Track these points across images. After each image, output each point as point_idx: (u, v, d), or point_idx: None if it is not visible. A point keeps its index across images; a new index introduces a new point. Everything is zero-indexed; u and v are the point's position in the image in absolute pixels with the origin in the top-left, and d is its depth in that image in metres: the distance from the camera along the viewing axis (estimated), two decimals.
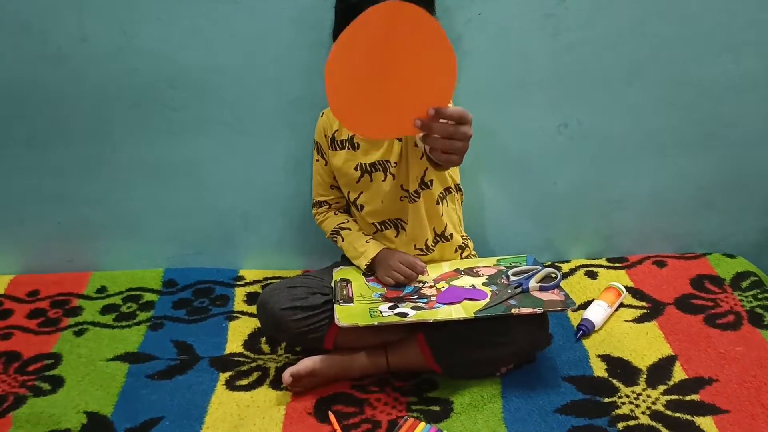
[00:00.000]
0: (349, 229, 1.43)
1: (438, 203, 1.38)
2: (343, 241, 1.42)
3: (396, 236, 1.40)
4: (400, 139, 1.33)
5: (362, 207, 1.40)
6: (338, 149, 1.38)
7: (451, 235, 1.42)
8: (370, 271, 1.38)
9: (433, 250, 1.41)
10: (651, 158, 1.57)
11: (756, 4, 1.43)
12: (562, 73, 1.49)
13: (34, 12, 1.43)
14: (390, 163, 1.34)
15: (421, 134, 0.99)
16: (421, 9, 0.94)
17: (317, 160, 1.44)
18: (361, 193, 1.39)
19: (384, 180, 1.36)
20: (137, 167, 1.57)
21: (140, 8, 1.42)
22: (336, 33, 1.31)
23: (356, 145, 1.36)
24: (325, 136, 1.40)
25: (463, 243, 1.46)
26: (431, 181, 1.35)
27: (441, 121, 0.97)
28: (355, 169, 1.37)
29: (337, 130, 1.38)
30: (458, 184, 1.43)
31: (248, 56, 1.47)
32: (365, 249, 1.38)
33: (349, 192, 1.40)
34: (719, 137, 1.55)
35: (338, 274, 1.37)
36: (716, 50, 1.47)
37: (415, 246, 1.40)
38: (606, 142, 1.55)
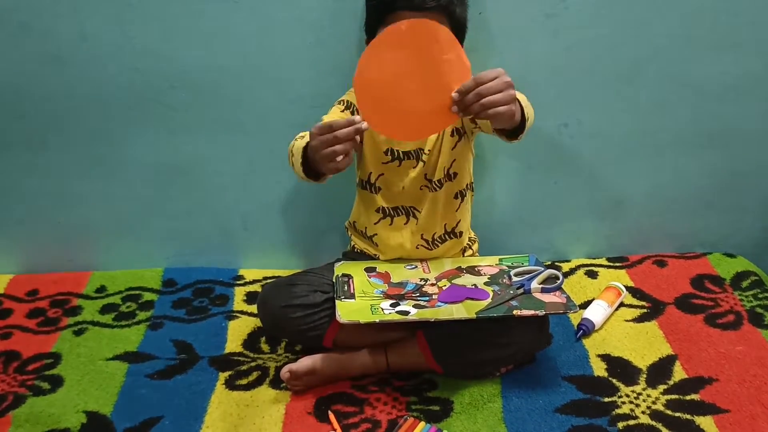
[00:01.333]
0: (303, 137, 1.22)
1: (456, 198, 1.38)
2: (293, 148, 1.22)
3: (405, 224, 1.39)
4: None
5: (379, 189, 1.38)
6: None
7: (461, 233, 1.42)
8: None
9: (439, 246, 1.41)
10: (651, 158, 1.57)
11: (756, 4, 1.43)
12: (562, 73, 1.49)
13: (34, 12, 1.43)
14: (423, 150, 1.34)
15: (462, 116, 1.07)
16: (437, 24, 1.07)
17: (342, 111, 1.34)
18: (382, 174, 1.37)
19: (415, 167, 1.35)
20: (137, 167, 1.57)
21: (140, 8, 1.42)
22: (367, 26, 1.31)
23: None
24: None
25: (469, 243, 1.46)
26: (455, 173, 1.35)
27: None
28: (386, 153, 1.36)
29: None
30: (472, 183, 1.43)
31: (248, 56, 1.47)
32: (303, 141, 1.19)
33: (370, 173, 1.38)
34: (719, 137, 1.55)
35: (339, 269, 1.37)
36: (716, 50, 1.47)
37: (422, 236, 1.39)
38: (606, 142, 1.55)
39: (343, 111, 1.36)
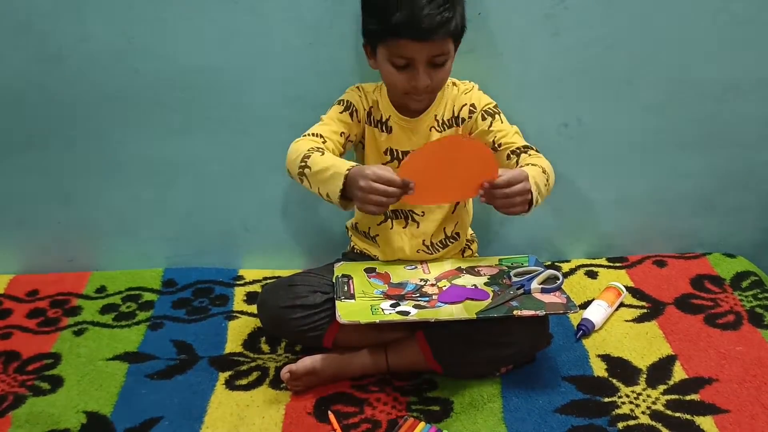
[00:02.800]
0: (322, 152, 1.25)
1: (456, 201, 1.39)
2: (310, 160, 1.23)
3: (405, 227, 1.39)
4: (437, 129, 1.35)
5: None
6: (371, 126, 1.37)
7: (458, 234, 1.42)
8: (345, 197, 1.21)
9: (439, 251, 1.41)
10: (651, 158, 1.57)
11: (756, 4, 1.43)
12: (562, 73, 1.49)
13: (34, 12, 1.43)
14: None
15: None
16: (474, 140, 1.29)
17: (341, 112, 1.35)
18: None
19: None
20: (137, 167, 1.57)
21: (140, 8, 1.42)
22: (366, 37, 1.28)
23: (389, 128, 1.35)
24: (365, 108, 1.36)
25: (468, 243, 1.46)
26: None
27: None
28: (385, 153, 1.36)
29: (372, 107, 1.36)
30: None
31: (248, 56, 1.47)
32: (335, 163, 1.22)
33: None
34: (719, 137, 1.55)
35: (339, 269, 1.37)
36: (716, 50, 1.47)
37: (423, 242, 1.40)
38: (606, 142, 1.55)
39: (342, 113, 1.36)
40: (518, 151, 1.32)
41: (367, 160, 1.39)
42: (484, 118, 1.34)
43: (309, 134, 1.32)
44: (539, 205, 1.24)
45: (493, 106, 1.36)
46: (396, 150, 1.36)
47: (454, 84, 1.37)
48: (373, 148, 1.37)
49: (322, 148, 1.27)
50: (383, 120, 1.36)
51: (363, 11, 1.27)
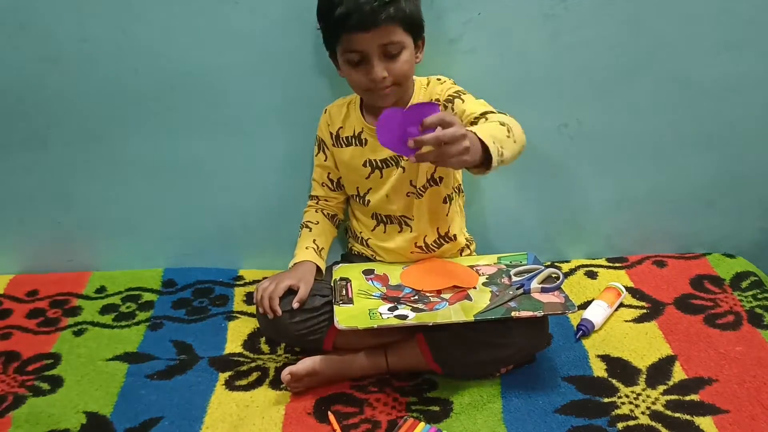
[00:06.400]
0: (309, 228, 1.43)
1: (445, 202, 1.38)
2: (299, 237, 1.44)
3: (399, 232, 1.40)
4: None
5: (368, 202, 1.39)
6: (344, 146, 1.38)
7: (455, 236, 1.42)
8: None
9: (435, 251, 1.41)
10: (651, 158, 1.57)
11: (756, 4, 1.43)
12: (562, 73, 1.48)
13: (34, 12, 1.43)
14: (402, 156, 1.35)
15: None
16: (454, 263, 1.40)
17: (317, 155, 1.45)
18: (370, 189, 1.39)
19: (395, 174, 1.36)
20: (137, 167, 1.57)
21: (140, 8, 1.42)
22: (326, 43, 1.30)
23: (364, 141, 1.36)
24: (330, 133, 1.40)
25: (467, 243, 1.46)
26: (440, 178, 1.35)
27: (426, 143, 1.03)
28: (364, 165, 1.37)
29: (341, 127, 1.38)
30: (460, 185, 1.44)
31: (248, 56, 1.47)
32: (298, 252, 1.40)
33: (357, 188, 1.40)
34: (719, 137, 1.55)
35: (337, 272, 1.37)
36: (716, 50, 1.47)
37: (415, 244, 1.40)
38: (606, 142, 1.55)
39: (318, 155, 1.45)
40: (475, 120, 1.21)
41: (348, 178, 1.41)
42: (445, 107, 1.30)
43: (311, 197, 1.49)
44: (506, 158, 1.11)
45: (455, 92, 1.30)
46: (375, 160, 1.36)
47: (427, 84, 1.35)
48: (351, 165, 1.39)
49: (310, 223, 1.44)
50: (356, 134, 1.37)
51: (317, 20, 1.28)
